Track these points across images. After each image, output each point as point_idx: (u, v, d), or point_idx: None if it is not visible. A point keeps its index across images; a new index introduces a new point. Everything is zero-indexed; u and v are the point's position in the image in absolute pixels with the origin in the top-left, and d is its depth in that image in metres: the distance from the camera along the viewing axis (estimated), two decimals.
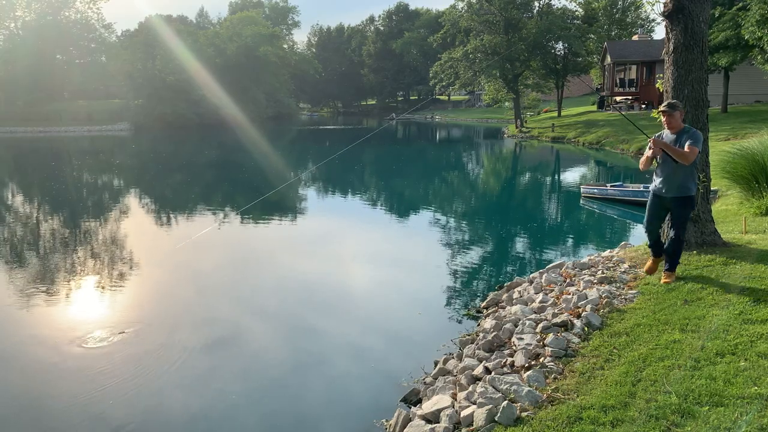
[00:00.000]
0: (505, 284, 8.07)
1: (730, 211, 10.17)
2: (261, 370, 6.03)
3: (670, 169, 5.85)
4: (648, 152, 5.90)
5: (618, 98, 43.81)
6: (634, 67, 44.01)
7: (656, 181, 6.04)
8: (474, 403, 4.42)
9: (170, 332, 6.92)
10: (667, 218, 6.31)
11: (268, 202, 18.10)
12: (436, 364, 5.76)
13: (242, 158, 31.62)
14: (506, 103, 50.58)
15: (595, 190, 15.54)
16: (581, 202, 15.61)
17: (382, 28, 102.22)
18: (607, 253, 8.31)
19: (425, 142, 46.11)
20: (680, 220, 5.94)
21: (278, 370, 6.00)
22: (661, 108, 5.92)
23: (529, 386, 4.41)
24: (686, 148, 5.64)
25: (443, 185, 22.29)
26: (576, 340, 5.09)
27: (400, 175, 24.67)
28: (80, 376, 5.86)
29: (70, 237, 13.00)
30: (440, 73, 48.54)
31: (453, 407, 4.54)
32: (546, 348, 5.01)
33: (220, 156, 33.74)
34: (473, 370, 5.15)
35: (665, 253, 6.18)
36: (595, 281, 6.64)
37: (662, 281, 6.06)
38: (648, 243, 6.52)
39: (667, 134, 5.98)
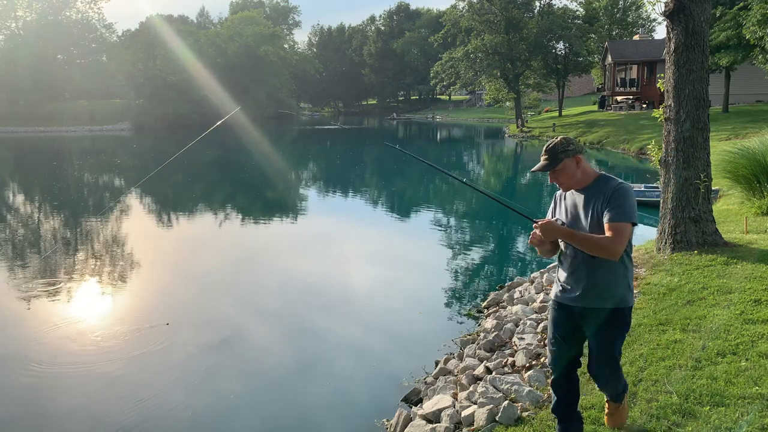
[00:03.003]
0: (506, 284, 8.07)
1: (731, 211, 10.16)
2: (262, 370, 6.03)
3: (581, 262, 3.21)
4: (532, 239, 3.26)
5: (619, 98, 43.79)
6: (635, 67, 43.98)
7: (559, 280, 3.38)
8: (475, 403, 4.42)
9: (171, 332, 6.92)
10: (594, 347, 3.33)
11: (268, 201, 18.11)
12: (437, 363, 5.76)
13: (243, 158, 31.63)
14: (507, 103, 50.49)
15: None
16: None
17: (383, 28, 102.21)
18: None
19: (426, 141, 46.09)
20: (607, 350, 3.25)
21: (279, 370, 6.00)
22: (541, 161, 3.22)
23: (530, 386, 4.41)
24: (607, 230, 3.03)
25: (444, 185, 22.28)
26: None
27: (401, 175, 24.66)
28: (80, 376, 5.86)
29: (70, 236, 13.01)
30: (441, 73, 48.56)
31: (454, 407, 4.54)
32: (547, 348, 5.01)
33: (222, 156, 33.73)
34: (474, 370, 5.15)
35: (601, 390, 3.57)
36: None
37: (609, 424, 3.61)
38: (552, 386, 3.52)
39: (571, 193, 3.28)
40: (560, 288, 3.34)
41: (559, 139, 3.20)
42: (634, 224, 3.09)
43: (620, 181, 3.17)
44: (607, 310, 3.17)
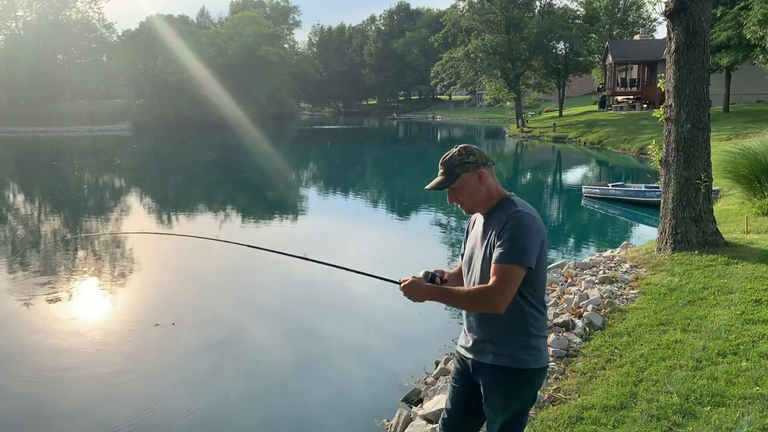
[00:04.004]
0: None
1: (731, 211, 10.16)
2: (262, 371, 6.02)
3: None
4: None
5: (619, 98, 43.79)
6: (635, 67, 43.95)
7: (463, 328, 2.75)
8: None
9: (171, 333, 6.92)
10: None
11: (268, 201, 18.10)
12: (437, 363, 5.75)
13: (244, 158, 31.63)
14: (507, 103, 50.48)
15: (597, 190, 15.52)
16: (583, 202, 15.59)
17: (383, 28, 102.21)
18: (608, 253, 8.30)
19: (426, 141, 46.10)
20: (493, 417, 2.60)
21: (279, 371, 6.00)
22: (438, 175, 2.62)
23: None
24: (492, 273, 2.43)
25: None
26: (577, 340, 5.08)
27: (402, 175, 24.66)
28: (81, 376, 5.86)
29: (70, 236, 13.00)
30: (441, 73, 48.56)
31: None
32: (547, 348, 5.00)
33: (222, 156, 33.75)
34: None
35: None
36: (597, 281, 6.63)
37: None
38: None
39: (480, 218, 2.67)
40: (461, 338, 2.74)
41: (457, 149, 2.59)
42: (529, 268, 2.40)
43: (520, 207, 2.49)
44: (497, 367, 2.51)
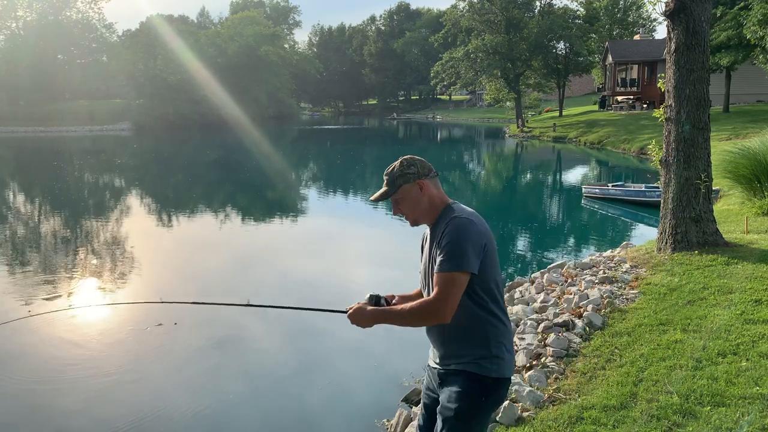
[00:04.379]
0: (507, 284, 8.06)
1: (731, 211, 10.16)
2: (262, 370, 6.03)
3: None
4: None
5: (619, 98, 43.79)
6: (635, 67, 43.96)
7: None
8: None
9: (171, 332, 6.92)
10: None
11: (269, 201, 18.11)
12: None
13: (244, 158, 31.64)
14: (507, 103, 50.50)
15: (597, 190, 15.53)
16: (583, 201, 15.60)
17: (383, 28, 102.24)
18: (608, 253, 8.30)
19: (426, 141, 46.10)
20: (445, 412, 2.47)
21: (280, 370, 6.00)
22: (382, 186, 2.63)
23: (531, 386, 4.40)
24: (434, 286, 2.41)
25: (444, 185, 22.22)
26: (577, 340, 5.08)
27: None
28: (81, 376, 5.86)
29: (71, 236, 13.01)
30: (441, 73, 48.56)
31: None
32: (547, 348, 5.01)
33: (222, 156, 33.75)
34: None
35: None
36: (597, 281, 6.63)
37: None
38: None
39: (428, 230, 2.67)
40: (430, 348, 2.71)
41: (399, 160, 2.59)
42: (472, 273, 2.36)
43: (457, 213, 2.47)
44: (459, 372, 2.48)
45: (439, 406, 2.51)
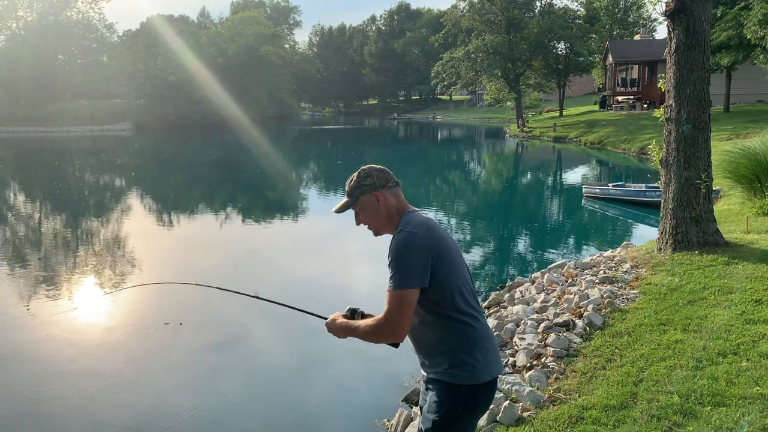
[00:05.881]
0: (507, 284, 8.06)
1: (732, 211, 10.16)
2: (263, 370, 6.03)
3: (414, 323, 2.52)
4: None
5: (620, 98, 43.78)
6: (635, 67, 43.96)
7: None
8: None
9: (172, 332, 6.93)
10: None
11: (269, 201, 18.12)
12: None
13: (244, 158, 31.64)
14: (508, 103, 50.46)
15: (597, 190, 15.52)
16: (583, 201, 15.59)
17: (383, 28, 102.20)
18: (609, 252, 8.30)
19: (427, 141, 46.10)
20: (424, 417, 2.51)
21: (280, 370, 6.00)
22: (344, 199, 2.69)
23: (531, 386, 4.41)
24: (385, 305, 2.40)
25: (445, 185, 22.29)
26: (578, 340, 5.09)
27: (402, 175, 24.64)
28: (82, 376, 5.86)
29: (71, 236, 13.02)
30: (442, 73, 48.54)
31: None
32: (548, 348, 5.01)
33: (222, 156, 33.75)
34: None
35: None
36: (597, 281, 6.63)
37: None
38: None
39: None
40: None
41: (357, 171, 2.61)
42: (421, 288, 2.30)
43: (402, 227, 2.43)
44: (436, 381, 2.48)
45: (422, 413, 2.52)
